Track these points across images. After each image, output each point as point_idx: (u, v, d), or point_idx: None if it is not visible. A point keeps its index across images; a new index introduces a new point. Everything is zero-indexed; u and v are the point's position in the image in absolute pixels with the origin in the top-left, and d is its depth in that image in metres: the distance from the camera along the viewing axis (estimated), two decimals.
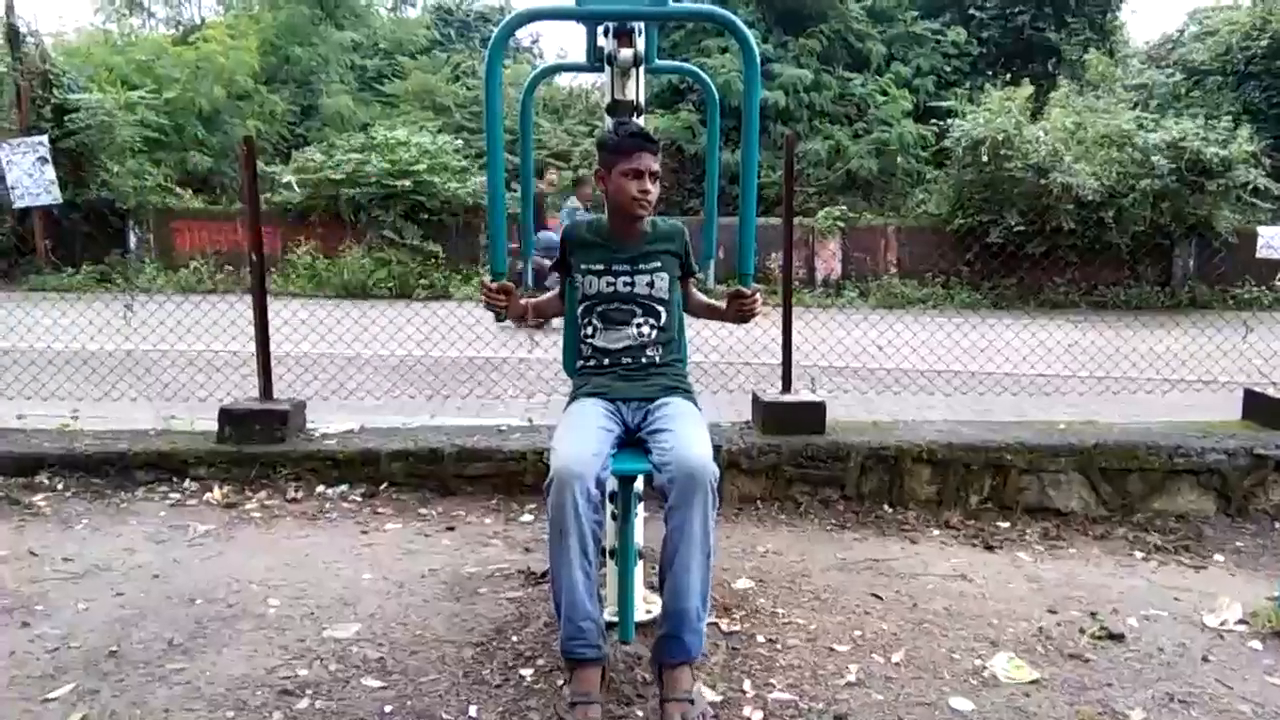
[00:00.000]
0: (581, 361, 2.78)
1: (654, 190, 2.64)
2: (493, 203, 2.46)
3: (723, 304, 2.79)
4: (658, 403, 2.59)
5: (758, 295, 2.66)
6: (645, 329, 2.69)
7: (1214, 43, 20.65)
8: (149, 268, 16.09)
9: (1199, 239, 15.84)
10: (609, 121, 2.94)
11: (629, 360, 2.68)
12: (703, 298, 2.94)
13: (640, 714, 2.42)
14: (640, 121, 2.90)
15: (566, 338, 2.93)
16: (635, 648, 2.74)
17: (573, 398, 2.71)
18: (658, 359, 2.70)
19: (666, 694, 2.32)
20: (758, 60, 2.43)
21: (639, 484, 2.74)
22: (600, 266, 2.70)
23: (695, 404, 2.66)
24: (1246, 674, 2.71)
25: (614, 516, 2.74)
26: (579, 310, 2.77)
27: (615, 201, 2.68)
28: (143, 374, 5.98)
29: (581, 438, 2.41)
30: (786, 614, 3.08)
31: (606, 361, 2.70)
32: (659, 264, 2.71)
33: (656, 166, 2.65)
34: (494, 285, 2.58)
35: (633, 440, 2.58)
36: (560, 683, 2.50)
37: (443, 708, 2.44)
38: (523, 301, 2.73)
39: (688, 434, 2.40)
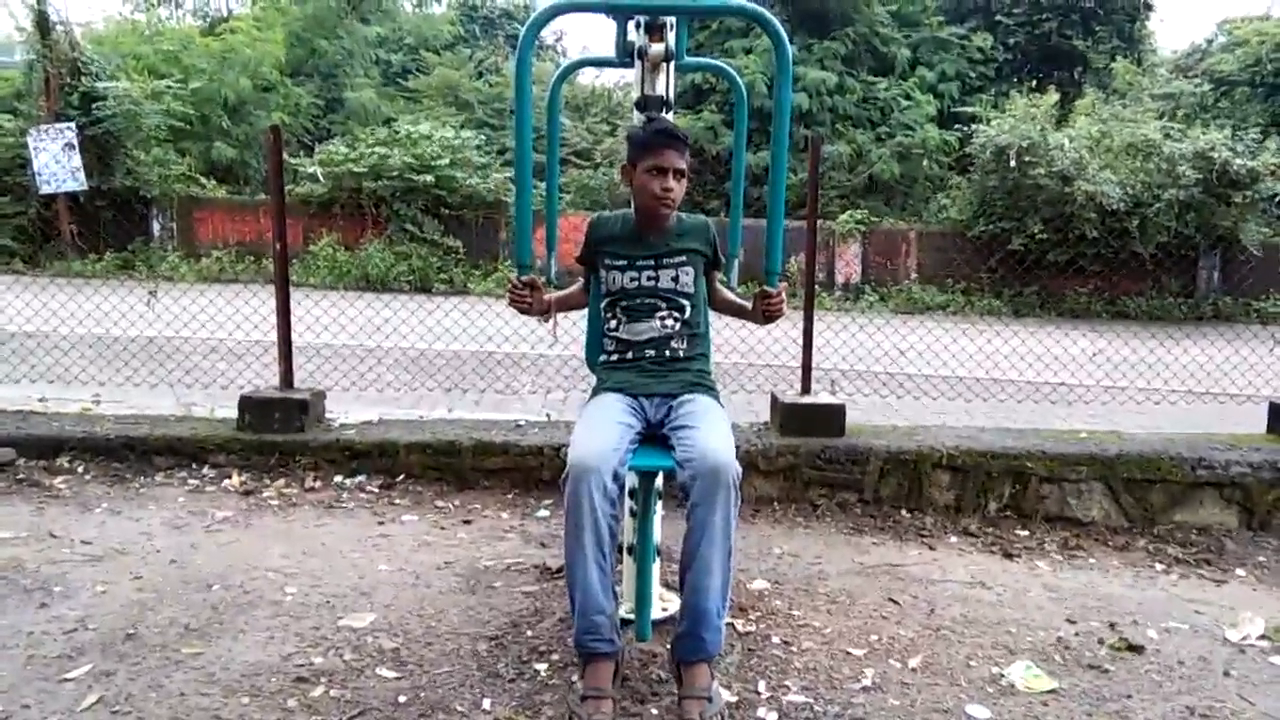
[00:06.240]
0: (605, 355, 2.76)
1: (677, 188, 2.61)
2: (520, 195, 2.44)
3: (748, 303, 2.74)
4: (681, 399, 2.57)
5: (784, 295, 2.61)
6: (670, 321, 2.67)
7: (1243, 53, 20.49)
8: (171, 256, 16.25)
9: (1224, 251, 15.69)
10: (637, 117, 2.93)
11: (653, 353, 2.66)
12: (728, 293, 2.90)
13: (655, 712, 2.40)
14: (669, 117, 2.88)
15: (589, 331, 2.92)
16: (651, 645, 2.73)
17: (595, 392, 2.69)
18: (682, 352, 2.67)
19: (685, 691, 2.31)
20: (790, 56, 2.40)
21: (659, 481, 2.72)
22: (623, 262, 2.68)
23: (719, 401, 2.64)
24: (1269, 690, 2.67)
25: (633, 514, 2.72)
26: (602, 304, 2.75)
27: (638, 199, 2.66)
28: (164, 360, 6.02)
29: (601, 432, 2.39)
30: (802, 616, 3.06)
31: (630, 355, 2.67)
32: (684, 259, 2.68)
33: (682, 164, 2.62)
34: (520, 280, 2.55)
35: (654, 436, 2.55)
36: (574, 678, 2.49)
37: (456, 700, 2.44)
38: (546, 297, 2.68)
39: (712, 431, 2.38)
